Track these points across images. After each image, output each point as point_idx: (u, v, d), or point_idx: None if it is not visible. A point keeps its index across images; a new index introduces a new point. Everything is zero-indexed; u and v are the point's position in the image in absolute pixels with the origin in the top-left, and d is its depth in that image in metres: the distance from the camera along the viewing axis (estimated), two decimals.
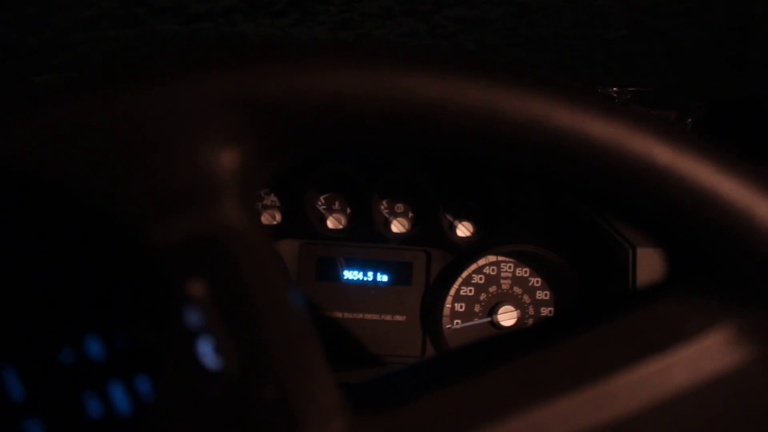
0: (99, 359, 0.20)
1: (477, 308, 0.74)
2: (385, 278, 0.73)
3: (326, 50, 0.21)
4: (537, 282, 0.74)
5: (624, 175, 0.22)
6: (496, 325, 0.73)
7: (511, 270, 0.74)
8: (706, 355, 0.24)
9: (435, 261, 0.73)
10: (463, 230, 0.73)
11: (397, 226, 0.73)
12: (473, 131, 0.22)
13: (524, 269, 0.74)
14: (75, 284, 0.20)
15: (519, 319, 0.74)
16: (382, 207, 0.73)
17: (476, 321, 0.74)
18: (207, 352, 0.20)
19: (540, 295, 0.74)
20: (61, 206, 0.21)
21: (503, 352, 0.25)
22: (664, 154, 0.22)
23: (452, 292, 0.74)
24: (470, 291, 0.74)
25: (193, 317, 0.20)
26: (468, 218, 0.73)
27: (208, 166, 0.21)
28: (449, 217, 0.73)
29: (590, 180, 0.23)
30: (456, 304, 0.74)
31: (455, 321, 0.74)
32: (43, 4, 0.54)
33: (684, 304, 0.25)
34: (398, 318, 0.73)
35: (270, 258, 0.21)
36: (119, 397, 0.20)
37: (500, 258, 0.74)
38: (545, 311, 0.74)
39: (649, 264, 0.63)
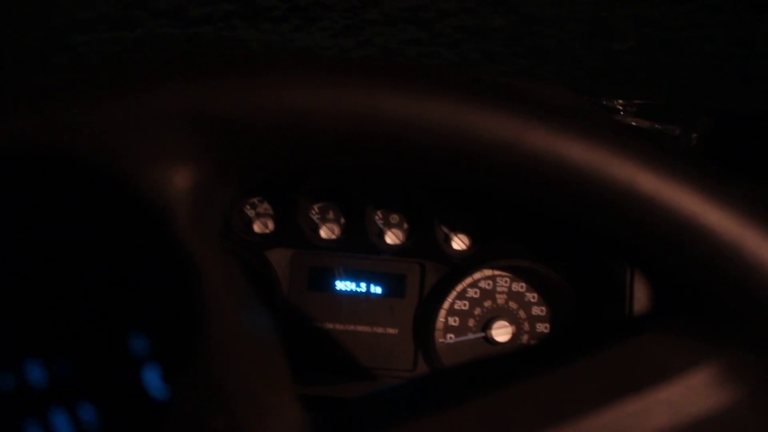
0: (40, 385, 0.19)
1: (471, 323, 0.72)
2: (378, 290, 0.71)
3: (284, 63, 0.20)
4: (533, 297, 0.73)
5: (604, 203, 0.21)
6: (490, 340, 0.71)
7: (507, 285, 0.72)
8: (687, 397, 0.22)
9: (429, 274, 0.71)
10: (459, 243, 0.72)
11: (391, 238, 0.71)
12: (441, 152, 0.20)
13: (520, 284, 0.73)
14: (13, 305, 0.19)
15: (514, 335, 0.72)
16: (377, 218, 0.71)
17: (470, 336, 0.72)
18: (153, 380, 0.19)
19: (536, 310, 0.73)
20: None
21: (473, 384, 0.24)
22: (647, 181, 0.20)
23: (446, 305, 0.72)
24: (464, 305, 0.72)
25: (139, 344, 0.19)
26: (464, 231, 0.72)
27: (156, 186, 0.19)
28: (445, 230, 0.72)
29: (569, 208, 0.21)
30: (450, 318, 0.72)
31: (448, 335, 0.72)
32: (41, 5, 0.53)
33: (667, 341, 0.23)
34: (390, 331, 0.72)
35: (226, 281, 0.20)
36: (61, 425, 0.19)
37: (496, 272, 0.72)
38: (541, 327, 0.73)
39: (647, 284, 0.61)
